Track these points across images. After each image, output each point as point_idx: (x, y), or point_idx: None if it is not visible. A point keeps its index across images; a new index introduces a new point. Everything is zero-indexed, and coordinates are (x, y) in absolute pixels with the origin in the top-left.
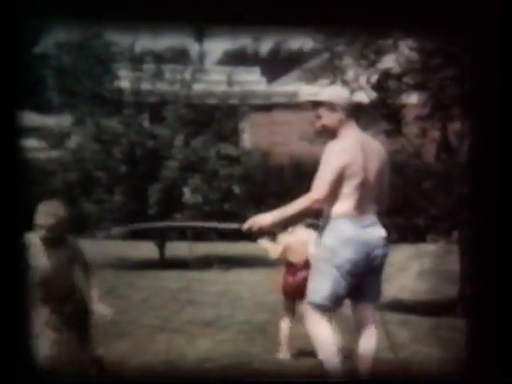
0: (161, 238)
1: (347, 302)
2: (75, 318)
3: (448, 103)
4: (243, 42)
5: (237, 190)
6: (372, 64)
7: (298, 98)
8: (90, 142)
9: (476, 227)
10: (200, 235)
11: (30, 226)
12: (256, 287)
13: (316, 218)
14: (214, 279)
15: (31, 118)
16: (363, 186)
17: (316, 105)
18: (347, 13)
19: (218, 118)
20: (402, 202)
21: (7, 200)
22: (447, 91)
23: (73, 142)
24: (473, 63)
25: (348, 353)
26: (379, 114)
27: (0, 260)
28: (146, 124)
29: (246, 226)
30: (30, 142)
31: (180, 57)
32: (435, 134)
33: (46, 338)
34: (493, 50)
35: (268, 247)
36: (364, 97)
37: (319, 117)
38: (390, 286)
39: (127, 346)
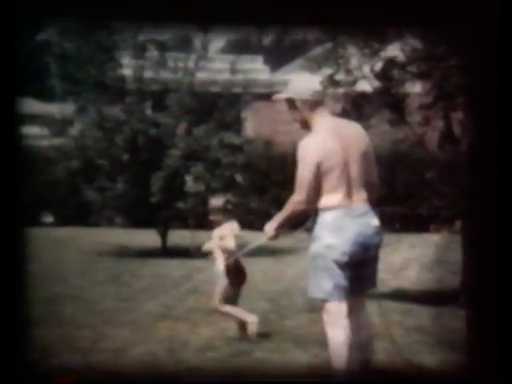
0: (163, 226)
1: None
2: None
3: (452, 92)
4: (246, 30)
5: (239, 178)
6: (376, 52)
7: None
8: (92, 129)
9: (476, 218)
10: (202, 224)
11: (30, 216)
12: (258, 276)
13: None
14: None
15: (34, 106)
16: (348, 175)
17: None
18: (348, 8)
19: (220, 107)
20: (404, 192)
21: (7, 189)
22: (451, 80)
23: (75, 129)
24: (472, 55)
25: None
26: (383, 103)
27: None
28: (149, 112)
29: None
30: (33, 130)
31: (183, 45)
32: (438, 123)
33: None
34: (492, 44)
35: (210, 247)
36: (367, 86)
37: (289, 111)
38: (393, 275)
39: (129, 333)
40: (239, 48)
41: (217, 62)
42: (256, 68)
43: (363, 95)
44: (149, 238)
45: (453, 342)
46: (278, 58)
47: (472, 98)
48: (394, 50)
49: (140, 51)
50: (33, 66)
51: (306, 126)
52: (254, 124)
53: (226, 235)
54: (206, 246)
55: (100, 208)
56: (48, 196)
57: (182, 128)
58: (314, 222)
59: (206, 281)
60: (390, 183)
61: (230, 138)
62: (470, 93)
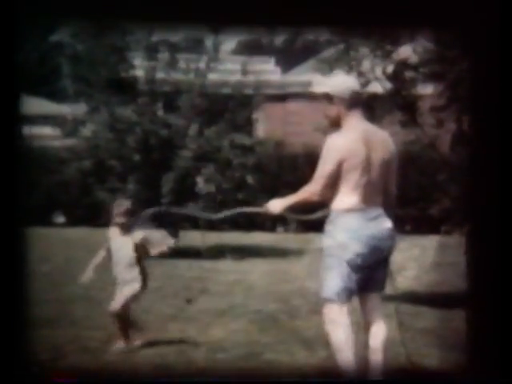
0: (174, 227)
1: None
2: None
3: (465, 94)
4: (258, 32)
5: (250, 179)
6: (388, 54)
7: (308, 88)
8: (104, 130)
9: (476, 219)
10: (213, 225)
11: (30, 215)
12: (269, 277)
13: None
14: (227, 268)
15: (46, 106)
16: (367, 179)
17: (320, 96)
18: (361, 9)
19: (232, 108)
20: (416, 194)
21: (8, 189)
22: (464, 82)
23: (87, 130)
24: (473, 62)
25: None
26: (394, 105)
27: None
28: (160, 113)
29: (263, 209)
30: (45, 130)
31: (195, 46)
32: (451, 125)
33: None
34: (492, 49)
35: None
36: (379, 87)
37: (325, 106)
38: (404, 277)
39: (140, 334)
40: (251, 49)
41: (228, 63)
42: (267, 69)
43: (375, 97)
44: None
45: (453, 342)
46: (290, 59)
47: (472, 99)
48: (406, 52)
49: (152, 52)
50: (45, 66)
51: (335, 123)
52: (265, 125)
53: (147, 239)
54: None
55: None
56: (60, 196)
57: (193, 129)
58: (330, 222)
59: (217, 282)
60: (401, 185)
61: (241, 139)
62: (469, 101)
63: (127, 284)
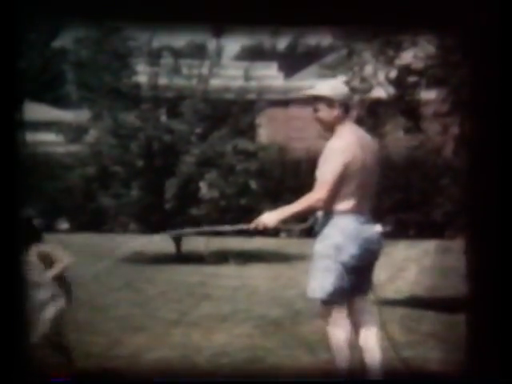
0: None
1: None
2: None
3: (466, 98)
4: (260, 37)
5: (253, 184)
6: (391, 59)
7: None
8: (107, 136)
9: (476, 226)
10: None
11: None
12: (272, 282)
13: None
14: (230, 274)
15: (50, 113)
16: (363, 183)
17: (316, 99)
18: (363, 15)
19: (234, 113)
20: (419, 198)
21: (7, 195)
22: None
23: (90, 136)
24: (474, 65)
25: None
26: (398, 110)
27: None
28: (163, 119)
29: (252, 225)
30: (49, 137)
31: (197, 52)
32: (454, 129)
33: None
34: (493, 52)
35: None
36: (382, 93)
37: (316, 110)
38: (406, 281)
39: (144, 339)
40: (253, 55)
41: (231, 69)
42: (270, 74)
43: (378, 102)
44: (163, 244)
45: (453, 343)
46: (292, 64)
47: (472, 102)
48: (409, 57)
49: (155, 58)
50: (49, 73)
51: (330, 128)
52: (268, 130)
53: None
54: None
55: (115, 214)
56: (63, 202)
57: (196, 135)
58: (325, 224)
59: (220, 287)
60: (404, 190)
61: (244, 144)
62: (470, 97)
63: (48, 304)
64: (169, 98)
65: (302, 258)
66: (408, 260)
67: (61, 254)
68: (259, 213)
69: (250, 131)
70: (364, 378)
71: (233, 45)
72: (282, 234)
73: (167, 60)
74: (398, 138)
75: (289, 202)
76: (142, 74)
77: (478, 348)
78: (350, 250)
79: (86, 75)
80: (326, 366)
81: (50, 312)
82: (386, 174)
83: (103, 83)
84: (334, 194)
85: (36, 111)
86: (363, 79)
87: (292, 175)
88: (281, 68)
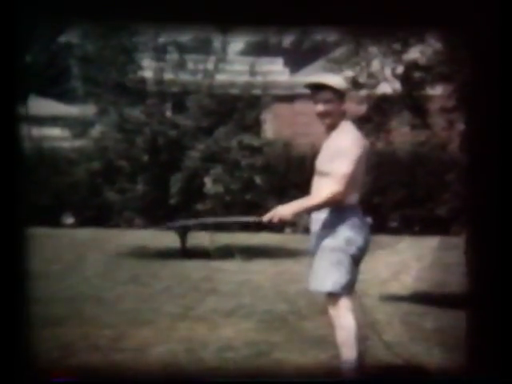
0: (182, 227)
1: None
2: None
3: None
4: (266, 32)
5: (258, 180)
6: (398, 55)
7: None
8: (112, 131)
9: (476, 219)
10: (221, 225)
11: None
12: (277, 277)
13: None
14: (235, 269)
15: (55, 107)
16: (363, 177)
17: (325, 90)
18: (370, 10)
19: (240, 109)
20: (425, 194)
21: (7, 193)
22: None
23: (96, 131)
24: (472, 64)
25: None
26: (404, 106)
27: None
28: (169, 114)
29: (266, 218)
30: (54, 131)
31: (203, 47)
32: (460, 125)
33: None
34: (493, 51)
35: None
36: (389, 88)
37: (326, 101)
38: (411, 277)
39: (149, 333)
40: (259, 50)
41: (236, 64)
42: (276, 70)
43: (385, 98)
44: (168, 239)
45: (453, 342)
46: (298, 59)
47: (473, 100)
48: (416, 53)
49: (160, 53)
50: (54, 68)
51: (335, 122)
52: (273, 126)
53: None
54: None
55: (120, 209)
56: (69, 197)
57: (201, 130)
58: (336, 216)
59: (225, 282)
60: (409, 186)
61: (250, 139)
62: (469, 104)
63: None
64: (174, 93)
65: (307, 253)
66: (413, 256)
67: None
68: (264, 208)
69: (255, 126)
70: (369, 373)
71: (238, 40)
72: (287, 230)
73: (173, 55)
74: (403, 133)
75: (294, 197)
76: (147, 69)
77: (478, 347)
78: (358, 243)
79: (92, 70)
80: (331, 361)
81: None
82: (392, 170)
83: (109, 78)
84: (350, 187)
85: (41, 106)
86: (370, 74)
87: (297, 171)
88: (287, 63)
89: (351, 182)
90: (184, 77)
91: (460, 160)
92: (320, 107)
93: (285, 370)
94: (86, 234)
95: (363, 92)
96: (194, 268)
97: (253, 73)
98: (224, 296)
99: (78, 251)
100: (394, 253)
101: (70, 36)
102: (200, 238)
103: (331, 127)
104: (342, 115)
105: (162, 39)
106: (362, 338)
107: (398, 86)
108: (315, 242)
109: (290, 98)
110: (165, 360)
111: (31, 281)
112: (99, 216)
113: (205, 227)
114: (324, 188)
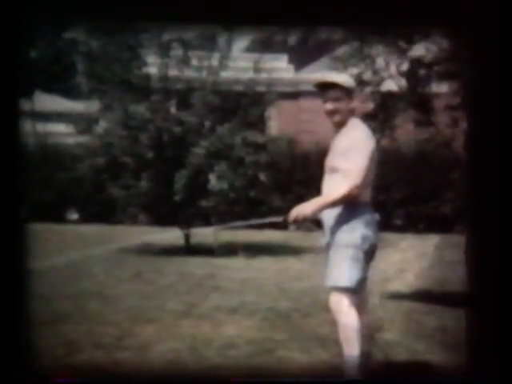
0: (186, 224)
1: None
2: None
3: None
4: (271, 29)
5: (262, 177)
6: (403, 52)
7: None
8: (117, 127)
9: (476, 218)
10: (225, 222)
11: (55, 212)
12: (280, 275)
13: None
14: (239, 266)
15: (60, 103)
16: (374, 174)
17: (335, 88)
18: (375, 7)
19: (244, 105)
20: (429, 192)
21: (7, 189)
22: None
23: (100, 127)
24: (473, 62)
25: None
26: (409, 103)
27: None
28: (173, 110)
29: (291, 217)
30: (59, 127)
31: (207, 43)
32: (465, 123)
33: None
34: (493, 49)
35: None
36: (393, 85)
37: (335, 99)
38: (414, 275)
39: (153, 330)
40: (263, 47)
41: (241, 61)
42: (280, 67)
43: (389, 95)
44: (172, 235)
45: (454, 341)
46: (303, 56)
47: (472, 100)
48: (421, 50)
49: (165, 50)
50: (59, 64)
51: (341, 119)
52: (277, 123)
53: None
54: None
55: (124, 205)
56: (73, 193)
57: (206, 126)
58: (351, 213)
59: (228, 279)
60: (413, 183)
61: (254, 136)
62: (469, 102)
63: None
64: (179, 90)
65: (311, 250)
66: (416, 253)
67: None
68: (268, 205)
69: (259, 123)
70: (371, 372)
71: (243, 37)
72: (291, 227)
73: (177, 52)
74: (408, 130)
75: (298, 194)
76: (152, 65)
77: (478, 346)
78: (371, 239)
79: (97, 66)
80: (335, 360)
81: None
82: (396, 167)
83: (113, 74)
84: (365, 183)
85: (47, 102)
86: (375, 72)
87: (301, 168)
88: (291, 60)
89: (366, 176)
90: (188, 73)
91: (464, 158)
92: (329, 105)
93: (288, 368)
94: (91, 229)
95: (368, 89)
96: (198, 265)
97: (257, 70)
98: (227, 293)
99: (82, 247)
100: (397, 250)
101: (75, 32)
102: (204, 236)
103: (340, 125)
104: (351, 113)
105: (166, 36)
106: (366, 337)
107: (402, 83)
108: (329, 238)
109: (295, 95)
110: (168, 358)
111: (34, 277)
112: (103, 212)
113: (209, 224)
114: (339, 184)
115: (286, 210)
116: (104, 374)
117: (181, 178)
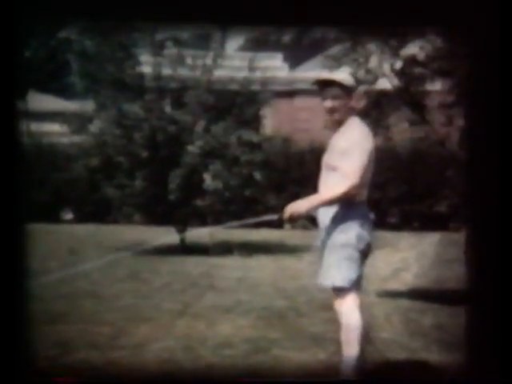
0: (181, 223)
1: None
2: None
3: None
4: (265, 28)
5: (257, 176)
6: (396, 51)
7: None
8: (111, 126)
9: (476, 216)
10: (220, 221)
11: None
12: (276, 274)
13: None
14: (235, 265)
15: (54, 103)
16: (372, 173)
17: (333, 86)
18: (369, 6)
19: (239, 104)
20: (424, 190)
21: (7, 189)
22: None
23: (95, 126)
24: (473, 59)
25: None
26: (403, 101)
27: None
28: (168, 109)
29: (286, 215)
30: (53, 127)
31: (201, 42)
32: (459, 121)
33: None
34: (493, 47)
35: None
36: (387, 84)
37: (335, 97)
38: (410, 274)
39: (148, 330)
40: (258, 45)
41: (235, 60)
42: (275, 65)
43: (383, 93)
44: (167, 235)
45: (452, 339)
46: (297, 55)
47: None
48: (415, 48)
49: (158, 49)
50: (53, 63)
51: (340, 118)
52: (272, 122)
53: None
54: None
55: (119, 205)
56: (68, 193)
57: (200, 125)
58: (348, 213)
59: (224, 278)
60: (408, 181)
61: (249, 135)
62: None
63: None
64: (173, 89)
65: (307, 249)
66: (412, 252)
67: None
68: (263, 204)
69: (254, 122)
70: (369, 372)
71: (237, 35)
72: (287, 226)
73: (171, 51)
74: (402, 129)
75: (293, 193)
76: (145, 64)
77: (477, 345)
78: (367, 238)
79: (91, 66)
80: (330, 359)
81: None
82: (391, 166)
83: (107, 74)
84: (362, 182)
85: (41, 101)
86: (368, 70)
87: (297, 166)
88: (286, 59)
89: (364, 176)
90: (183, 72)
91: (459, 156)
92: (328, 103)
93: (283, 367)
94: (85, 229)
95: (361, 88)
96: (193, 264)
97: (252, 68)
98: (223, 292)
99: (77, 247)
100: (394, 249)
101: (69, 32)
102: (199, 235)
103: (339, 123)
104: (350, 111)
105: (160, 35)
106: (364, 337)
107: (396, 81)
108: (324, 238)
109: (289, 94)
110: (163, 357)
111: (30, 278)
112: (98, 212)
113: (204, 223)
114: (336, 183)
115: (281, 209)
116: (99, 373)
117: (175, 178)
